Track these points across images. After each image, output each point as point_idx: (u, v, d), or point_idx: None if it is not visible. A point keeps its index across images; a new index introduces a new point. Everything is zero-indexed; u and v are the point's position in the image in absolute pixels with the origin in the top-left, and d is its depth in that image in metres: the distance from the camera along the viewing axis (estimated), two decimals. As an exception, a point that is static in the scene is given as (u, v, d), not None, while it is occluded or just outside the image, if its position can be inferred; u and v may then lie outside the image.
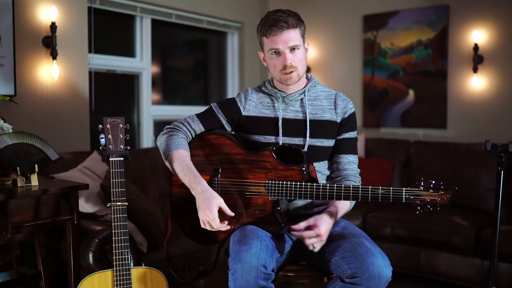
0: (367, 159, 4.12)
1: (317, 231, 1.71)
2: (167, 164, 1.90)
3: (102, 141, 2.22)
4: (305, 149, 1.90)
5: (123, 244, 1.89)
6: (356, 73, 4.61)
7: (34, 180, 2.28)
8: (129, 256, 1.91)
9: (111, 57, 3.84)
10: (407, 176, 4.01)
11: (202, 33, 4.70)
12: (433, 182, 1.69)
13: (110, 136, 1.90)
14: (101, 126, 1.90)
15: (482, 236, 3.17)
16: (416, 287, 3.40)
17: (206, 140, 1.96)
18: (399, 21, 4.32)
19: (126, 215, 1.91)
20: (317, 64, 4.79)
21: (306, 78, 2.01)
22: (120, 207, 1.90)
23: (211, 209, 1.71)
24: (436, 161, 3.86)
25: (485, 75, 3.91)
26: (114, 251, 1.89)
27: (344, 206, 1.88)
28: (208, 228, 1.75)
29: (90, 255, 2.43)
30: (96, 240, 2.45)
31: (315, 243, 1.73)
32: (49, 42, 3.16)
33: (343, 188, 1.74)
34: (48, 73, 3.20)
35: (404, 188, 1.70)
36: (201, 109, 2.09)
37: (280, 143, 1.91)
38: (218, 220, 1.72)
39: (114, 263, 1.89)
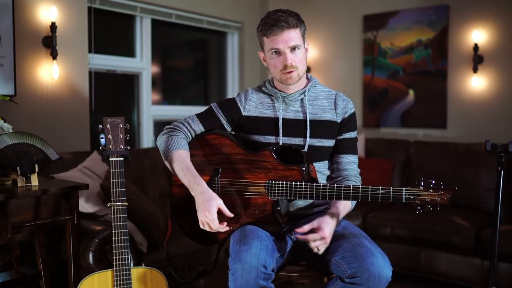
0: (367, 159, 4.12)
1: (322, 233, 1.71)
2: (167, 164, 1.90)
3: (102, 141, 2.22)
4: (305, 149, 1.90)
5: (123, 244, 1.89)
6: (356, 73, 4.61)
7: (34, 180, 2.28)
8: (129, 256, 1.91)
9: (111, 57, 3.84)
10: (407, 176, 4.01)
11: (202, 33, 4.70)
12: (433, 182, 1.69)
13: (110, 136, 1.90)
14: (101, 126, 1.90)
15: (482, 236, 3.17)
16: (416, 287, 3.40)
17: (206, 140, 1.96)
18: (399, 21, 4.32)
19: (126, 215, 1.91)
20: (317, 64, 4.79)
21: (306, 78, 2.01)
22: (120, 207, 1.90)
23: (210, 210, 1.71)
24: (436, 161, 3.86)
25: (485, 75, 3.91)
26: (114, 251, 1.89)
27: (345, 206, 1.88)
28: (207, 229, 1.76)
29: (90, 255, 2.43)
30: (96, 240, 2.45)
31: (319, 246, 1.73)
32: (49, 42, 3.16)
33: (343, 188, 1.74)
34: (48, 73, 3.20)
35: (404, 188, 1.70)
36: (201, 109, 2.09)
37: (280, 143, 1.91)
38: (217, 221, 1.72)
39: (114, 263, 1.89)
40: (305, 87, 1.97)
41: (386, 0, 4.39)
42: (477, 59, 3.90)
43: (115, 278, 1.89)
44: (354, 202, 1.93)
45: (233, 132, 2.04)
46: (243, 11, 4.75)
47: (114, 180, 1.89)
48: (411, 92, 4.29)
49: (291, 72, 1.87)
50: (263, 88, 2.01)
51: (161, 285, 1.98)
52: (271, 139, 1.93)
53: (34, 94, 3.15)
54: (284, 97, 1.95)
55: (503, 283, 3.04)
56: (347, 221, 1.96)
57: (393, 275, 1.70)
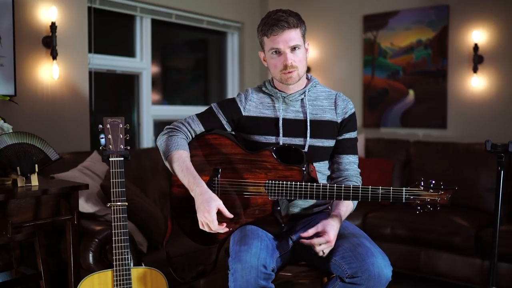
0: (367, 159, 4.12)
1: (327, 237, 1.71)
2: (167, 164, 1.90)
3: (102, 141, 2.22)
4: (306, 149, 1.90)
5: (123, 244, 1.89)
6: (356, 73, 4.61)
7: (34, 180, 2.28)
8: (129, 256, 1.91)
9: (111, 57, 3.84)
10: (407, 176, 4.01)
11: (202, 33, 4.70)
12: (433, 182, 1.69)
13: (110, 136, 1.90)
14: (101, 126, 1.90)
15: (482, 236, 3.17)
16: (416, 287, 3.40)
17: (206, 140, 1.96)
18: (399, 21, 4.32)
19: (126, 215, 1.91)
20: (317, 64, 4.79)
21: (307, 78, 2.01)
22: (120, 207, 1.90)
23: (209, 211, 1.71)
24: (436, 161, 3.86)
25: (485, 75, 3.91)
26: (114, 251, 1.89)
27: (348, 208, 1.88)
28: (206, 229, 1.76)
29: (90, 255, 2.43)
30: (96, 240, 2.45)
31: (324, 249, 1.73)
32: (49, 42, 3.16)
33: (343, 188, 1.74)
34: (48, 73, 3.20)
35: (404, 188, 1.70)
36: (201, 109, 2.09)
37: (281, 143, 1.91)
38: (216, 222, 1.72)
39: (114, 263, 1.89)
40: (305, 87, 1.97)
41: (386, 0, 4.39)
42: (477, 59, 3.90)
43: (115, 278, 1.89)
44: (356, 202, 1.93)
45: (233, 132, 2.03)
46: (243, 11, 4.75)
47: (114, 180, 1.89)
48: (411, 92, 4.29)
49: (291, 72, 1.87)
50: (263, 88, 2.01)
51: (161, 285, 1.98)
52: (271, 139, 1.93)
53: (34, 94, 3.15)
54: (284, 97, 1.95)
55: (503, 283, 3.04)
56: (347, 221, 1.96)
57: (393, 275, 1.70)
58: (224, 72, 4.91)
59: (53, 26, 3.14)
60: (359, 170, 2.00)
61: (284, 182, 1.79)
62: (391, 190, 1.70)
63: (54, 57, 3.17)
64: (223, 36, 4.86)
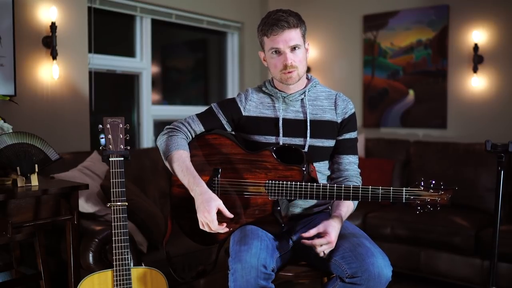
0: (367, 159, 4.12)
1: (328, 238, 1.71)
2: (167, 164, 1.90)
3: (102, 141, 2.22)
4: (306, 149, 1.90)
5: (123, 244, 1.89)
6: (356, 73, 4.61)
7: (34, 180, 2.28)
8: (129, 256, 1.91)
9: (111, 57, 3.84)
10: (407, 176, 4.01)
11: (202, 33, 4.70)
12: (433, 182, 1.69)
13: (110, 136, 1.90)
14: (101, 126, 1.90)
15: (482, 236, 3.17)
16: (416, 287, 3.40)
17: (206, 140, 1.96)
18: (399, 21, 4.32)
19: (126, 215, 1.91)
20: (317, 64, 4.79)
21: (307, 78, 2.01)
22: (120, 207, 1.90)
23: (209, 211, 1.71)
24: (436, 161, 3.86)
25: (485, 75, 3.91)
26: (114, 251, 1.89)
27: (348, 208, 1.89)
28: (206, 229, 1.76)
29: (90, 255, 2.43)
30: (96, 240, 2.45)
31: (325, 250, 1.73)
32: (49, 42, 3.16)
33: (343, 188, 1.74)
34: (48, 73, 3.20)
35: (404, 188, 1.70)
36: (201, 109, 2.09)
37: (281, 143, 1.91)
38: (216, 222, 1.72)
39: (114, 263, 1.89)
40: (305, 87, 1.97)
41: (386, 0, 4.39)
42: (477, 59, 3.90)
43: (115, 278, 1.89)
44: (356, 202, 1.93)
45: (233, 132, 2.03)
46: (243, 11, 4.75)
47: (114, 180, 1.89)
48: (411, 92, 4.29)
49: (291, 72, 1.87)
50: (263, 88, 2.01)
51: (161, 285, 1.98)
52: (271, 139, 1.93)
53: (34, 94, 3.15)
54: (285, 97, 1.95)
55: (503, 283, 3.04)
56: (347, 221, 1.96)
57: (393, 275, 1.70)
58: (224, 72, 4.91)
59: (53, 26, 3.14)
60: (359, 170, 2.00)
61: (284, 182, 1.79)
62: (391, 190, 1.70)
63: (54, 57, 3.17)
64: (223, 36, 4.86)
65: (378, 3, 4.44)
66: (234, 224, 1.83)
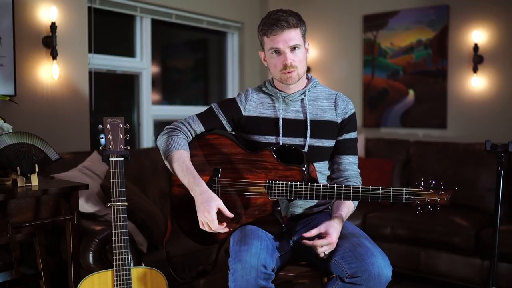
0: (367, 159, 4.12)
1: (329, 239, 1.71)
2: (167, 164, 1.90)
3: (102, 141, 2.22)
4: (306, 149, 1.90)
5: (123, 244, 1.89)
6: (356, 73, 4.61)
7: (34, 180, 2.28)
8: (129, 256, 1.91)
9: (111, 57, 3.84)
10: (407, 176, 4.01)
11: (202, 33, 4.70)
12: (433, 182, 1.69)
13: (110, 136, 1.90)
14: (101, 126, 1.90)
15: (482, 236, 3.17)
16: (416, 287, 3.40)
17: (206, 140, 1.96)
18: (399, 21, 4.32)
19: (126, 215, 1.91)
20: (317, 64, 4.79)
21: (307, 78, 2.01)
22: (120, 207, 1.90)
23: (209, 211, 1.71)
24: (436, 161, 3.86)
25: (485, 75, 3.91)
26: (114, 251, 1.89)
27: (349, 209, 1.89)
28: (207, 229, 1.76)
29: (90, 255, 2.43)
30: (96, 240, 2.45)
31: (326, 251, 1.73)
32: (49, 42, 3.16)
33: (343, 188, 1.74)
34: (48, 73, 3.20)
35: (404, 188, 1.70)
36: (201, 109, 2.09)
37: (281, 143, 1.91)
38: (216, 222, 1.72)
39: (114, 263, 1.89)
40: (305, 87, 1.97)
41: (386, 0, 4.39)
42: (477, 59, 3.90)
43: (115, 278, 1.89)
44: (356, 202, 1.93)
45: (233, 132, 2.04)
46: (243, 11, 4.75)
47: (114, 180, 1.89)
48: (411, 92, 4.29)
49: (291, 72, 1.87)
50: (264, 88, 2.01)
51: (161, 285, 1.98)
52: (272, 139, 1.93)
53: (34, 94, 3.15)
54: (285, 97, 1.95)
55: (503, 283, 3.04)
56: (347, 221, 1.96)
57: (393, 275, 1.70)
58: (224, 72, 4.91)
59: (53, 26, 3.14)
60: (359, 171, 2.00)
61: (284, 182, 1.79)
62: (391, 190, 1.70)
63: (54, 57, 3.17)
64: (223, 36, 4.86)
65: (378, 3, 4.44)
66: (234, 224, 1.83)
